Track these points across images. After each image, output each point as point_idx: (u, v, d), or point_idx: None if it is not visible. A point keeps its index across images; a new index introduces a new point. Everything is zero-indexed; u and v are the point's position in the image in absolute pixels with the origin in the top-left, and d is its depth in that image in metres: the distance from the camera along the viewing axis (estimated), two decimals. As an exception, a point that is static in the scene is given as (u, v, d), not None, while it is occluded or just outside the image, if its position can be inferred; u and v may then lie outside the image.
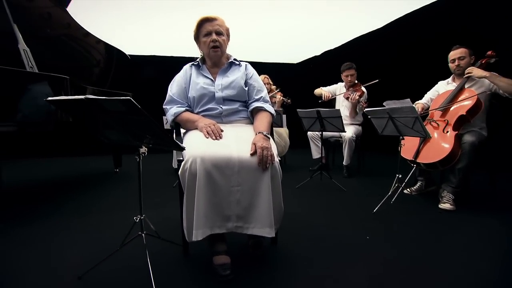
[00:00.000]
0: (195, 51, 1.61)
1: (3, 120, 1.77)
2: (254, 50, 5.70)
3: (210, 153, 1.21)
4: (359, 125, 3.40)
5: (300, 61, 6.65)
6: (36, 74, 2.04)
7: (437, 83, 2.57)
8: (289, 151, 3.72)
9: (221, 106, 1.48)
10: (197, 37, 1.53)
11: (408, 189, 2.54)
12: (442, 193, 2.19)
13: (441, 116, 2.30)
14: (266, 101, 1.56)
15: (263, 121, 1.47)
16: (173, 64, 1.60)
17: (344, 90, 3.40)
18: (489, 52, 2.25)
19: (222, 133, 1.37)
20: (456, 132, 2.16)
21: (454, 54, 2.33)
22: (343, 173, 3.25)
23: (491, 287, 1.21)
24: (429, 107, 2.48)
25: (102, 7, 3.80)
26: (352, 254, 1.47)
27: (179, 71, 1.59)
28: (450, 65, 2.38)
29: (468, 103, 2.15)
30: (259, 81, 1.61)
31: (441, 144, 2.16)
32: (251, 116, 1.56)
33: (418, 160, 2.24)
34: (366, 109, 2.20)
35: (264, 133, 1.36)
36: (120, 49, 3.20)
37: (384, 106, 2.15)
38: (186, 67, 1.58)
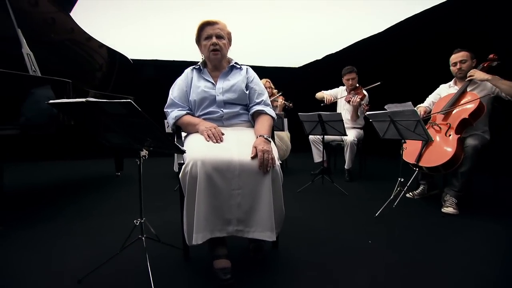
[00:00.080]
0: (196, 56, 1.62)
1: (6, 123, 1.78)
2: (256, 54, 5.72)
3: (211, 156, 1.21)
4: (361, 128, 3.39)
5: (301, 65, 6.68)
6: (38, 78, 2.06)
7: (438, 86, 2.57)
8: (290, 155, 3.72)
9: (222, 109, 1.49)
10: (198, 40, 1.54)
11: (410, 193, 2.52)
12: (445, 197, 2.17)
13: (443, 119, 2.29)
14: (267, 105, 1.56)
15: (264, 124, 1.47)
16: (175, 68, 1.62)
17: (346, 93, 3.40)
18: (491, 56, 2.24)
19: (223, 136, 1.37)
20: (459, 135, 2.15)
21: (455, 57, 2.33)
22: (344, 177, 3.24)
23: (495, 292, 1.19)
24: (431, 111, 2.48)
25: (104, 11, 3.84)
26: (354, 258, 1.45)
27: (181, 75, 1.60)
28: (451, 68, 2.38)
29: (471, 107, 2.15)
30: (260, 84, 1.61)
31: (443, 147, 2.15)
32: (252, 120, 1.56)
33: (421, 164, 2.23)
34: (368, 113, 2.20)
35: (265, 136, 1.36)
36: (123, 53, 3.23)
37: (386, 110, 2.14)
38: (187, 70, 1.59)
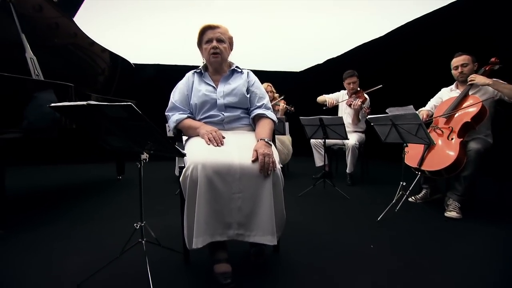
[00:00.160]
0: (198, 60, 1.63)
1: (9, 127, 1.79)
2: (257, 58, 5.75)
3: (212, 159, 1.21)
4: (362, 132, 3.38)
5: (303, 69, 6.70)
6: (41, 82, 2.07)
7: (440, 90, 2.56)
8: (292, 159, 3.70)
9: (223, 113, 1.49)
10: (199, 44, 1.55)
11: (413, 197, 2.50)
12: (448, 201, 2.16)
13: (445, 123, 2.28)
14: (268, 108, 1.57)
15: (265, 128, 1.46)
16: (177, 72, 1.63)
17: (347, 97, 3.40)
18: (492, 59, 2.24)
19: (223, 140, 1.37)
20: (461, 139, 2.13)
21: (457, 61, 2.32)
22: (346, 181, 3.22)
23: (500, 298, 1.18)
24: (433, 114, 2.47)
25: (106, 16, 3.89)
26: (355, 262, 1.44)
27: (182, 79, 1.61)
28: (453, 72, 2.37)
29: (473, 110, 2.14)
30: (261, 88, 1.61)
31: (446, 151, 2.14)
32: (253, 123, 1.56)
33: (423, 168, 2.21)
34: (369, 116, 2.19)
35: (266, 139, 1.35)
36: (125, 57, 3.26)
37: (387, 113, 2.13)
38: (189, 74, 1.60)
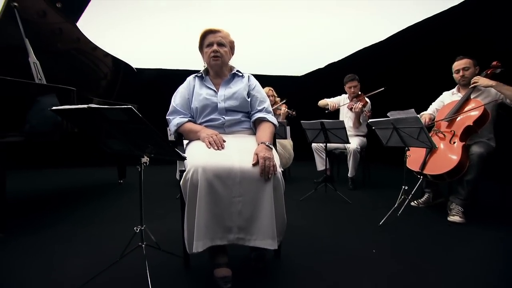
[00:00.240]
0: (200, 65, 1.64)
1: (11, 130, 1.80)
2: (259, 63, 5.78)
3: (212, 163, 1.21)
4: (364, 136, 3.38)
5: (304, 73, 6.71)
6: (44, 86, 2.09)
7: (441, 93, 2.56)
8: (293, 163, 3.69)
9: (223, 116, 1.49)
10: (201, 48, 1.56)
11: (415, 201, 2.48)
12: (451, 205, 2.14)
13: (447, 126, 2.27)
14: (268, 112, 1.57)
15: (265, 131, 1.46)
16: (179, 77, 1.64)
17: (348, 101, 3.40)
18: (494, 63, 2.23)
19: (224, 143, 1.37)
20: (464, 143, 2.12)
21: (458, 64, 2.32)
22: (348, 185, 3.20)
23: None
24: (435, 118, 2.46)
25: (108, 20, 3.93)
26: (357, 267, 1.42)
27: (183, 83, 1.61)
28: (454, 75, 2.37)
29: (475, 114, 2.13)
30: (261, 92, 1.62)
31: (448, 155, 2.12)
32: (254, 127, 1.56)
33: (425, 172, 2.20)
34: (370, 120, 2.19)
35: (267, 143, 1.35)
36: (127, 62, 3.29)
37: (388, 117, 2.13)
38: (190, 78, 1.60)
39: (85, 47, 2.82)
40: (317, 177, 3.50)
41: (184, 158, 1.18)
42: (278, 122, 3.07)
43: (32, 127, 1.89)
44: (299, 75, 6.78)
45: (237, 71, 1.62)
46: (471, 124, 2.11)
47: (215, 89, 1.54)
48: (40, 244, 1.70)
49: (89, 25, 2.70)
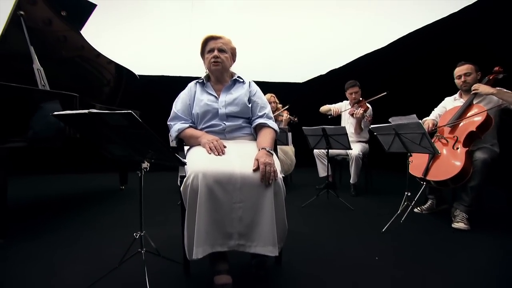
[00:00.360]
0: (202, 72, 1.65)
1: (15, 136, 1.82)
2: (260, 70, 5.82)
3: (212, 168, 1.20)
4: (366, 142, 3.36)
5: (305, 80, 6.74)
6: (47, 92, 2.12)
7: (443, 99, 2.55)
8: (295, 169, 3.68)
9: (224, 122, 1.49)
10: (202, 54, 1.58)
11: (418, 208, 2.45)
12: (455, 212, 2.11)
13: (450, 132, 2.26)
14: (269, 118, 1.57)
15: (266, 137, 1.46)
16: (181, 84, 1.65)
17: (349, 107, 3.40)
18: (496, 68, 2.23)
19: (225, 149, 1.36)
20: (467, 148, 2.10)
21: (459, 70, 2.32)
22: (350, 192, 3.18)
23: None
24: (437, 123, 2.45)
25: (113, 29, 3.99)
26: (360, 274, 1.40)
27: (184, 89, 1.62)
28: (456, 81, 2.36)
29: (478, 119, 2.11)
30: (262, 98, 1.62)
31: (451, 161, 2.10)
32: (255, 133, 1.56)
33: (428, 178, 2.18)
34: (372, 126, 2.18)
35: (267, 149, 1.35)
36: (130, 69, 3.31)
37: (390, 123, 2.12)
38: (191, 84, 1.62)
39: (89, 55, 2.85)
40: (319, 184, 3.47)
41: (184, 163, 1.18)
42: (280, 128, 3.07)
43: (35, 132, 1.91)
44: (301, 81, 6.81)
45: (238, 77, 1.63)
46: (474, 129, 2.10)
47: (216, 95, 1.55)
48: (40, 250, 1.69)
49: (93, 32, 2.73)
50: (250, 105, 1.55)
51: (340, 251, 1.69)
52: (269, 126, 1.52)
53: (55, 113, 1.03)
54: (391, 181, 4.02)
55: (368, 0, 3.48)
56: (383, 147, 2.22)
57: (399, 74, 4.54)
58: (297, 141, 3.67)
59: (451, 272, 1.43)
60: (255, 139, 1.54)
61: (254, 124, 1.54)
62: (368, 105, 3.27)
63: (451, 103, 2.45)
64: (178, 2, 3.42)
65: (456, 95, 2.43)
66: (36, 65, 2.20)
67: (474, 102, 2.24)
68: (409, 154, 2.10)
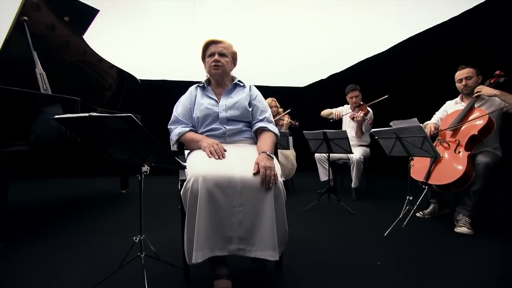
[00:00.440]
0: (203, 76, 1.66)
1: (17, 139, 1.83)
2: (262, 74, 5.84)
3: (213, 172, 1.20)
4: (367, 146, 3.35)
5: (306, 84, 6.76)
6: (49, 96, 2.13)
7: (444, 102, 2.54)
8: (296, 173, 3.67)
9: (224, 126, 1.49)
10: (203, 58, 1.59)
11: (420, 212, 2.43)
12: (458, 216, 2.09)
13: (452, 136, 2.25)
14: (270, 121, 1.57)
15: (266, 141, 1.46)
16: (183, 88, 1.66)
17: (350, 111, 3.40)
18: (497, 72, 2.22)
19: (225, 152, 1.36)
20: (469, 152, 2.09)
21: (460, 74, 2.32)
22: (351, 196, 3.16)
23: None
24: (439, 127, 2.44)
25: (113, 29, 4.02)
26: (361, 279, 1.38)
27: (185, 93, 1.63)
28: (457, 85, 2.36)
29: (480, 123, 2.10)
30: (263, 102, 1.62)
31: (453, 165, 2.09)
32: (255, 136, 1.56)
33: (430, 182, 2.16)
34: (373, 130, 2.18)
35: (268, 152, 1.35)
36: (132, 73, 3.34)
37: (391, 126, 2.12)
38: (192, 88, 1.62)
39: (91, 59, 2.87)
40: (320, 188, 3.46)
41: (184, 167, 1.18)
42: (281, 132, 3.07)
43: (36, 136, 1.92)
44: (302, 86, 6.83)
45: (239, 81, 1.64)
46: (476, 133, 2.09)
47: (216, 98, 1.55)
48: (40, 253, 1.69)
49: (94, 35, 2.75)
50: (250, 109, 1.56)
51: (341, 256, 1.67)
52: (269, 130, 1.52)
53: (56, 116, 1.03)
54: (393, 185, 4.00)
55: (369, 4, 3.49)
56: (384, 151, 2.21)
57: (400, 78, 4.55)
58: (298, 145, 3.66)
59: (454, 277, 1.41)
60: (255, 143, 1.54)
61: (255, 128, 1.54)
62: (369, 108, 3.28)
63: (453, 106, 2.44)
64: (179, 3, 3.44)
65: (458, 99, 2.43)
66: (39, 69, 2.22)
67: (476, 105, 2.23)
68: (410, 158, 2.09)
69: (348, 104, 3.50)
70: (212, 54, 1.52)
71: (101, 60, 2.93)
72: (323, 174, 3.33)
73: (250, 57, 4.31)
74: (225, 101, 1.54)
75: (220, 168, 1.23)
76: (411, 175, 2.17)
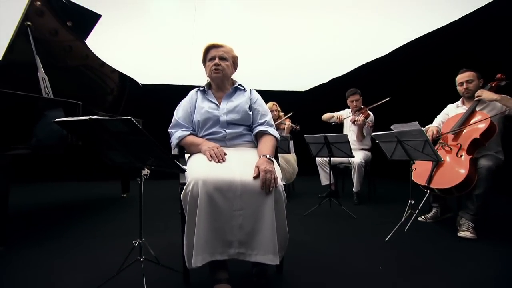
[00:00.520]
0: (204, 81, 1.67)
1: (18, 143, 1.84)
2: (263, 78, 5.87)
3: (213, 176, 1.20)
4: (368, 150, 3.34)
5: (307, 88, 6.78)
6: (50, 100, 2.14)
7: (445, 106, 2.54)
8: (297, 177, 3.65)
9: (225, 129, 1.49)
10: (204, 62, 1.60)
11: (422, 216, 2.41)
12: (460, 220, 2.07)
13: (453, 139, 2.24)
14: (270, 125, 1.57)
15: (267, 144, 1.46)
16: (183, 92, 1.67)
17: (351, 115, 3.40)
18: (498, 75, 2.22)
19: (225, 156, 1.36)
20: (471, 156, 2.08)
21: (461, 77, 2.31)
22: (353, 200, 3.14)
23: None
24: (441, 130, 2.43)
25: (117, 38, 4.07)
26: (363, 284, 1.37)
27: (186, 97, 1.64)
28: (458, 88, 2.36)
29: (482, 126, 2.09)
30: (263, 105, 1.63)
31: (455, 168, 2.08)
32: (255, 140, 1.56)
33: (432, 186, 2.15)
34: (374, 133, 2.17)
35: (268, 156, 1.34)
36: (133, 78, 3.36)
37: (392, 130, 2.11)
38: (192, 92, 1.63)
39: (93, 64, 2.90)
40: (322, 192, 3.45)
41: (184, 170, 1.18)
42: (282, 136, 3.07)
43: (38, 140, 1.93)
44: (303, 90, 6.85)
45: (239, 84, 1.64)
46: (478, 137, 2.08)
47: (217, 102, 1.56)
48: (40, 257, 1.68)
49: (96, 40, 2.78)
50: (251, 113, 1.56)
51: (342, 260, 1.65)
52: (270, 134, 1.52)
53: (57, 119, 1.04)
54: (394, 189, 3.98)
55: (370, 9, 3.51)
56: (386, 154, 2.20)
57: (401, 82, 4.55)
58: (299, 149, 3.66)
59: (457, 283, 1.39)
60: (255, 146, 1.54)
61: (255, 131, 1.54)
62: (369, 112, 3.28)
63: (454, 110, 2.43)
64: (180, 3, 3.47)
65: (459, 102, 2.42)
66: (41, 73, 2.24)
67: (477, 109, 2.23)
68: (412, 161, 2.08)
69: (349, 108, 3.50)
70: (213, 58, 1.52)
71: (103, 64, 2.95)
72: (324, 178, 3.32)
73: (251, 62, 4.33)
74: (225, 105, 1.54)
75: (220, 172, 1.23)
76: (412, 179, 2.16)
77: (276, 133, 1.55)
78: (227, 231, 1.18)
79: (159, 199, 3.46)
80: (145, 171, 1.19)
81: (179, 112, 1.57)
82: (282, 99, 4.18)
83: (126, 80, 3.29)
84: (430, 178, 2.17)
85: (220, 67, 1.51)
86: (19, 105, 1.86)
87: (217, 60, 1.51)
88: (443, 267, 1.56)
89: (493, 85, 2.21)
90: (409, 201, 2.04)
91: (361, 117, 3.16)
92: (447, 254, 1.74)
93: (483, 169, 1.99)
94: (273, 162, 1.36)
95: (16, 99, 1.84)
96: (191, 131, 1.54)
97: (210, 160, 1.32)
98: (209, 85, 1.64)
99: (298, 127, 3.81)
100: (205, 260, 1.14)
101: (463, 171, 2.01)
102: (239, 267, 1.41)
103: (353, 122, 3.28)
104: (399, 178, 3.56)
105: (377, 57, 4.92)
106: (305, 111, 4.95)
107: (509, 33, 3.03)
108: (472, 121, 2.17)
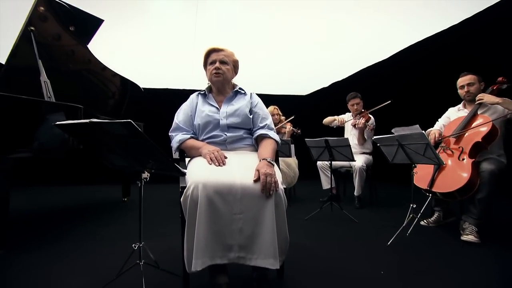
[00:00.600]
0: (205, 85, 1.68)
1: (20, 146, 1.84)
2: (264, 82, 5.89)
3: (213, 179, 1.20)
4: (369, 154, 3.33)
5: (308, 92, 6.79)
6: (52, 103, 2.16)
7: (446, 109, 2.53)
8: (298, 181, 3.64)
9: (225, 133, 1.49)
10: (205, 66, 1.61)
11: (425, 221, 2.39)
12: (464, 224, 2.04)
13: (455, 143, 2.23)
14: (270, 129, 1.57)
15: (267, 148, 1.46)
16: (184, 97, 1.67)
17: (352, 119, 3.40)
18: (500, 78, 2.22)
19: (225, 159, 1.36)
20: (473, 159, 2.06)
21: (462, 80, 2.31)
22: (354, 204, 3.12)
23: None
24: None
25: (118, 42, 4.09)
26: (364, 290, 1.35)
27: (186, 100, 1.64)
28: (459, 91, 2.35)
29: (484, 130, 2.08)
30: (264, 109, 1.63)
31: (457, 172, 2.06)
32: (256, 144, 1.56)
33: (434, 189, 2.13)
34: (375, 137, 2.17)
35: (268, 159, 1.34)
36: (135, 82, 3.38)
37: (393, 133, 2.11)
38: (193, 96, 1.63)
39: (95, 68, 2.92)
40: (323, 196, 3.43)
41: (184, 173, 1.18)
42: (283, 140, 3.06)
43: (40, 143, 1.93)
44: (304, 94, 6.86)
45: (240, 88, 1.64)
46: (480, 140, 2.07)
47: (217, 106, 1.56)
48: (40, 261, 1.68)
49: (97, 44, 2.80)
50: (251, 116, 1.56)
51: (344, 265, 1.64)
52: (270, 137, 1.52)
53: (58, 122, 1.04)
54: (396, 193, 3.96)
55: (370, 13, 3.53)
56: (387, 158, 2.20)
57: (402, 85, 4.55)
58: (300, 153, 3.65)
59: (460, 287, 1.37)
60: (256, 150, 1.54)
61: (255, 135, 1.54)
62: (371, 116, 3.28)
63: (455, 113, 2.43)
64: (181, 8, 3.49)
65: (460, 106, 2.41)
66: (43, 77, 2.26)
67: (479, 112, 2.22)
68: (413, 165, 2.07)
69: (349, 112, 3.51)
70: (214, 62, 1.53)
71: (104, 68, 2.97)
72: (326, 182, 3.31)
73: (252, 65, 4.35)
74: (226, 108, 1.54)
75: (221, 175, 1.23)
76: (414, 182, 2.14)
77: (277, 137, 1.55)
78: (227, 234, 1.18)
79: (159, 203, 3.45)
80: (145, 174, 1.19)
81: (180, 115, 1.58)
82: (283, 103, 4.20)
83: (127, 84, 3.31)
84: (432, 182, 2.16)
85: (221, 71, 1.52)
86: (21, 108, 1.87)
87: (217, 64, 1.52)
88: (446, 271, 1.55)
89: (494, 88, 2.21)
90: (411, 205, 2.03)
91: (362, 120, 3.16)
92: (450, 258, 1.72)
93: (485, 173, 1.97)
94: (274, 165, 1.36)
95: (19, 102, 1.85)
96: (192, 135, 1.54)
97: (211, 164, 1.32)
98: (209, 89, 1.65)
99: (299, 131, 3.81)
100: (205, 264, 1.13)
101: (465, 175, 2.00)
102: (239, 272, 1.40)
103: (354, 125, 3.28)
104: (401, 182, 3.54)
105: (378, 61, 4.93)
106: (306, 115, 4.96)
107: (510, 36, 3.03)
108: (473, 124, 2.16)
